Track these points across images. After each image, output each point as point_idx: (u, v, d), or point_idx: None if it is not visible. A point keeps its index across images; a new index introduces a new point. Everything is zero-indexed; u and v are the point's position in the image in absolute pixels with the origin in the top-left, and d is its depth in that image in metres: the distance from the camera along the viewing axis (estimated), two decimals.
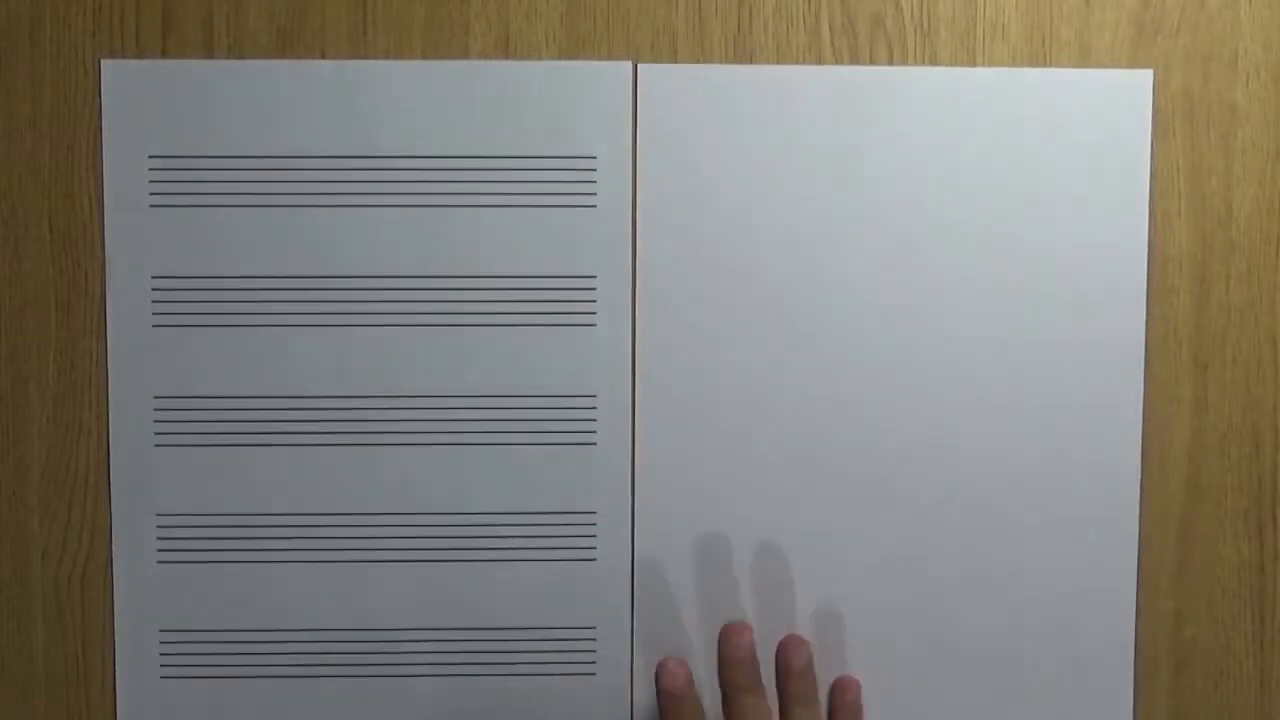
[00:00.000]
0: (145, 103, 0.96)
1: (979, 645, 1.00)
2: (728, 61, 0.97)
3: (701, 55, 0.97)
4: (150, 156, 0.96)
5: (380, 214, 0.97)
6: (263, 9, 0.96)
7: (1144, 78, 0.98)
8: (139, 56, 0.96)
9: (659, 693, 0.92)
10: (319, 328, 0.97)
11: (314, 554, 0.98)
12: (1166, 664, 1.01)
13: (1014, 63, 0.97)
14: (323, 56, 0.96)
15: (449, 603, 0.99)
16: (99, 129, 0.96)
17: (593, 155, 0.97)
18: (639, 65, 0.96)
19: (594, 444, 0.98)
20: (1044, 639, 1.00)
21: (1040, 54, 0.97)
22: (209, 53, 0.96)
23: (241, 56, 0.96)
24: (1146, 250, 0.98)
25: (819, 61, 0.97)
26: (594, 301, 0.98)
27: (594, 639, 0.99)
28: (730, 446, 0.98)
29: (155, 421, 0.97)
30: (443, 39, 0.96)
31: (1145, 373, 0.99)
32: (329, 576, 0.99)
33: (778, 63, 0.97)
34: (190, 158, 0.96)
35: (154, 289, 0.97)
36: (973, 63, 0.97)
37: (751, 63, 0.97)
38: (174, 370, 0.97)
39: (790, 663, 0.91)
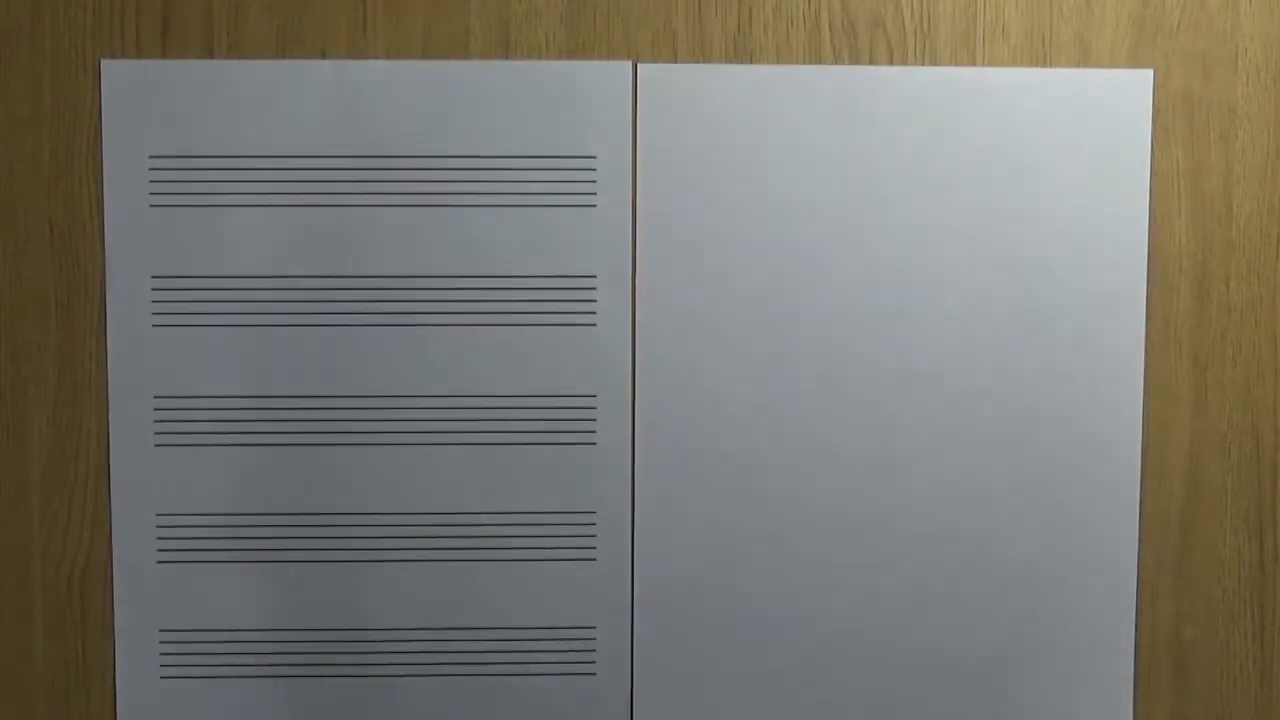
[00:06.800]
0: (145, 103, 0.96)
1: (979, 645, 1.00)
2: (728, 61, 0.97)
3: (701, 55, 0.97)
4: (150, 156, 0.96)
5: (380, 214, 0.97)
6: (263, 9, 0.96)
7: (1144, 78, 0.98)
8: (139, 56, 0.96)
9: None
10: (319, 328, 0.97)
11: (314, 554, 0.98)
12: (1166, 664, 1.01)
13: (1014, 63, 0.97)
14: (323, 56, 0.96)
15: (449, 603, 0.99)
16: (99, 129, 0.96)
17: (593, 155, 0.97)
18: (639, 65, 0.96)
19: (594, 444, 0.98)
20: (1044, 639, 1.00)
21: (1040, 54, 0.97)
22: (209, 53, 0.96)
23: (241, 56, 0.96)
24: (1146, 250, 0.98)
25: (819, 61, 0.97)
26: (594, 301, 0.98)
27: (594, 639, 0.99)
28: (730, 446, 0.98)
29: (155, 421, 0.97)
30: (443, 39, 0.96)
31: (1145, 373, 0.99)
32: (329, 576, 0.99)
33: (778, 63, 0.97)
34: (190, 158, 0.96)
35: (154, 289, 0.97)
36: (973, 63, 0.97)
37: (751, 63, 0.97)
38: (174, 370, 0.97)
39: None
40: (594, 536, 0.99)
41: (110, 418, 0.97)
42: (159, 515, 0.98)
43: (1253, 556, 1.01)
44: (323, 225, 0.97)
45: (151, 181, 0.96)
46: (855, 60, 0.97)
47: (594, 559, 0.99)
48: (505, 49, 0.96)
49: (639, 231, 0.97)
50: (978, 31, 0.97)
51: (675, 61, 0.97)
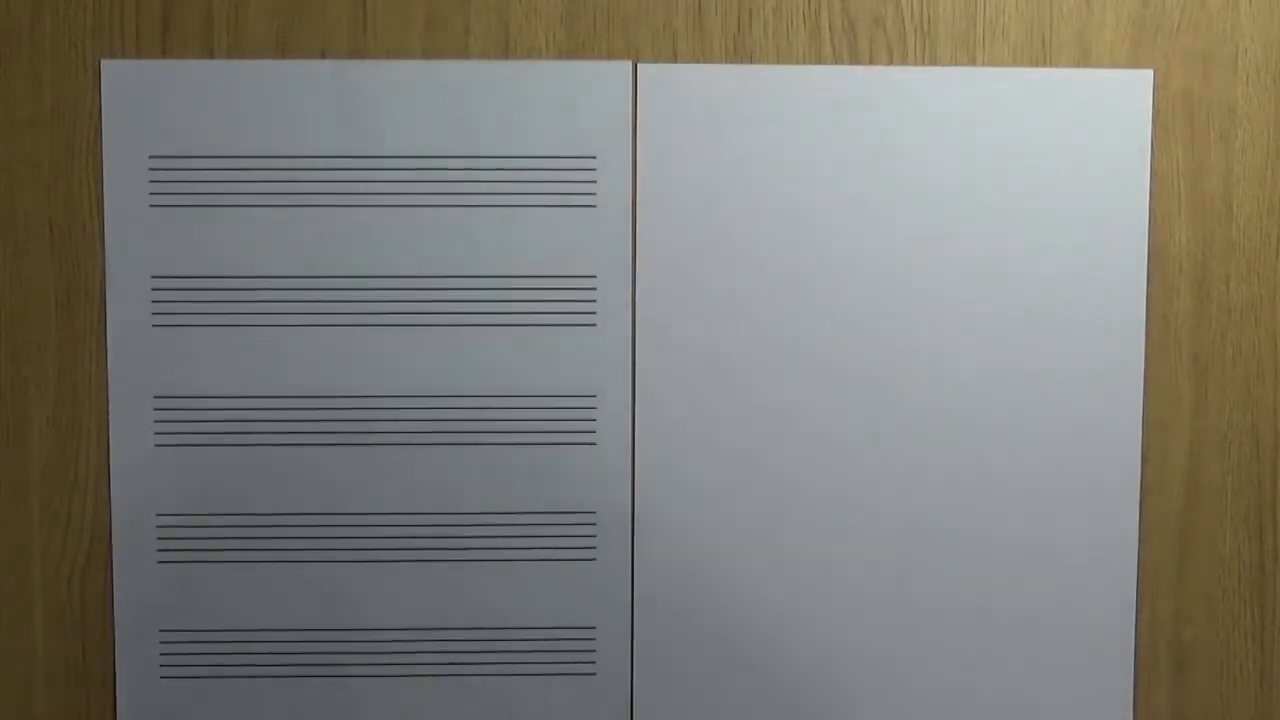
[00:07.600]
0: (145, 103, 0.96)
1: (980, 645, 1.00)
2: (728, 61, 0.97)
3: (701, 55, 0.97)
4: (150, 156, 0.96)
5: (380, 214, 0.97)
6: (263, 9, 0.96)
7: (1144, 78, 0.98)
8: (139, 56, 0.96)
9: None
10: (319, 328, 0.97)
11: (314, 554, 0.98)
12: (1166, 664, 1.01)
13: (1014, 63, 0.97)
14: (323, 56, 0.96)
15: (449, 603, 0.99)
16: (99, 129, 0.96)
17: (593, 155, 0.97)
18: (639, 65, 0.96)
19: (594, 444, 0.98)
20: (1045, 639, 1.00)
21: (1040, 54, 0.97)
22: (209, 53, 0.96)
23: (241, 56, 0.96)
24: (1146, 250, 0.98)
25: (819, 61, 0.97)
26: (594, 301, 0.98)
27: (594, 639, 0.99)
28: (730, 446, 0.98)
29: (155, 422, 0.97)
30: (443, 39, 0.96)
31: (1145, 373, 0.99)
32: (329, 576, 0.99)
33: (778, 63, 0.97)
34: (190, 158, 0.96)
35: (154, 289, 0.97)
36: (973, 63, 0.97)
37: (751, 63, 0.97)
38: (174, 370, 0.97)
39: None
40: (594, 537, 0.99)
41: (110, 418, 0.97)
42: (159, 515, 0.98)
43: (1253, 556, 1.01)
44: (322, 225, 0.97)
45: (151, 181, 0.96)
46: (855, 60, 0.97)
47: (594, 559, 0.99)
48: (505, 49, 0.96)
49: (639, 231, 0.97)
50: (978, 31, 0.97)
51: (675, 61, 0.97)
